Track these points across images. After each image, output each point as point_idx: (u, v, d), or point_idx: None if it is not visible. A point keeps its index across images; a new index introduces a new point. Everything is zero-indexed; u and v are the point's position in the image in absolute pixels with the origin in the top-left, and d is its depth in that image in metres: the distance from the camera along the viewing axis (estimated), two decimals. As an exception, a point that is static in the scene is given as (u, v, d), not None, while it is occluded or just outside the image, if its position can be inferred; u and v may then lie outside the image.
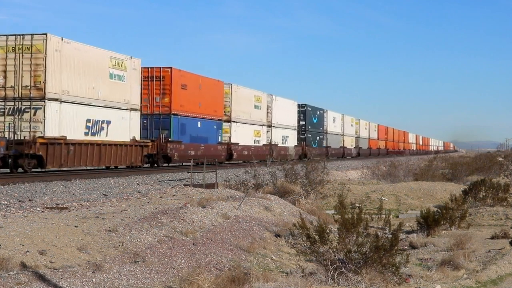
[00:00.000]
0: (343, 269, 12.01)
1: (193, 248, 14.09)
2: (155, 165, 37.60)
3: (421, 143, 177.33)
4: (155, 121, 37.98)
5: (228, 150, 47.19)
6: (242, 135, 49.75)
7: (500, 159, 79.00)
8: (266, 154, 46.27)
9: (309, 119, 68.77)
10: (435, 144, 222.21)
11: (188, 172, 27.11)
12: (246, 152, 49.59)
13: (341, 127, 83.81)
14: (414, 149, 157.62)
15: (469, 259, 15.02)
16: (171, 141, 38.20)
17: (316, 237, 12.51)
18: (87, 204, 17.73)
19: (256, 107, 53.06)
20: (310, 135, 68.70)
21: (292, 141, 62.34)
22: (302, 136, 66.63)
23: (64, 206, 16.99)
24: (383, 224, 21.77)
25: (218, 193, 21.55)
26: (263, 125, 54.82)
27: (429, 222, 20.93)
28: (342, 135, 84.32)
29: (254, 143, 52.21)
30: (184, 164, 38.96)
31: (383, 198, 30.02)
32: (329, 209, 26.10)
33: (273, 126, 57.38)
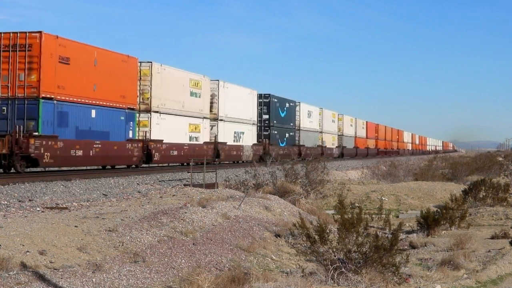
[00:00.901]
0: (343, 269, 12.01)
1: (193, 248, 14.10)
2: (10, 171, 26.24)
3: (417, 142, 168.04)
4: (17, 107, 26.93)
5: (145, 149, 35.01)
6: (169, 130, 37.58)
7: (500, 159, 79.04)
8: (209, 155, 40.69)
9: (275, 113, 57.24)
10: (433, 143, 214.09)
11: (188, 172, 27.11)
12: (175, 152, 38.23)
13: (319, 123, 72.83)
14: (410, 148, 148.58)
15: (469, 259, 15.02)
16: (39, 136, 26.75)
17: (316, 237, 12.51)
18: (87, 204, 17.73)
19: (193, 94, 40.89)
20: (275, 132, 57.22)
21: (249, 139, 51.09)
22: (265, 133, 55.30)
23: (64, 206, 16.99)
24: (383, 224, 21.83)
25: (218, 193, 21.55)
26: (205, 117, 42.40)
27: (429, 222, 20.93)
28: (321, 132, 73.34)
29: (190, 140, 40.19)
30: (62, 169, 30.93)
31: (383, 198, 30.03)
32: (329, 209, 26.10)
33: (221, 120, 45.40)
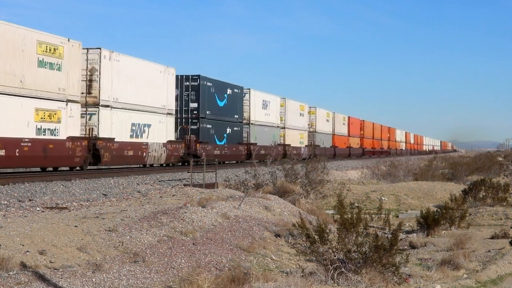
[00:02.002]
0: (343, 269, 12.01)
1: (193, 248, 14.10)
2: None
3: (412, 141, 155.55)
4: None
5: None
6: None
7: (500, 159, 79.05)
8: (78, 156, 28.85)
9: (209, 100, 44.00)
10: (430, 143, 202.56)
11: (188, 172, 27.11)
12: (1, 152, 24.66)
13: (281, 116, 59.06)
14: (404, 148, 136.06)
15: (469, 259, 15.02)
16: None
17: (316, 237, 12.51)
18: (87, 204, 17.73)
19: (45, 64, 27.19)
20: (209, 126, 43.95)
21: (161, 134, 36.93)
22: (193, 127, 42.23)
23: (64, 206, 16.99)
24: (383, 224, 21.82)
25: (218, 193, 21.55)
26: (70, 101, 28.73)
27: (429, 222, 20.94)
28: (283, 128, 59.49)
29: (39, 134, 26.59)
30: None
31: (383, 198, 30.03)
32: (329, 209, 26.11)
33: (105, 106, 31.87)
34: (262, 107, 54.61)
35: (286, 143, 59.93)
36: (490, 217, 25.00)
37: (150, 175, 29.81)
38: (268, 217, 19.33)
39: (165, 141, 37.37)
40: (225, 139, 46.94)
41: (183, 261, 13.14)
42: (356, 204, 27.22)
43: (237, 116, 49.35)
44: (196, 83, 42.95)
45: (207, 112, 43.77)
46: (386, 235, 13.31)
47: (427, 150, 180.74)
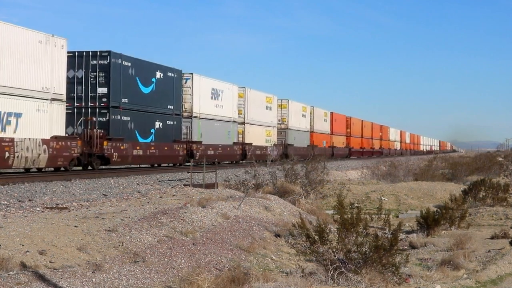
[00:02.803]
0: (343, 269, 12.01)
1: (193, 248, 14.10)
2: None
3: (408, 141, 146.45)
4: None
5: None
6: None
7: (500, 159, 79.05)
8: None
9: (126, 85, 33.90)
10: (427, 143, 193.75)
11: (188, 172, 27.11)
12: None
13: (239, 109, 49.26)
14: (398, 148, 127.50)
15: (469, 259, 15.02)
16: None
17: (316, 237, 12.51)
18: (87, 204, 17.73)
19: None
20: (126, 118, 34.08)
21: (40, 128, 27.34)
22: (102, 119, 32.77)
23: (64, 206, 16.99)
24: (383, 224, 21.82)
25: (218, 193, 21.55)
26: None
27: (429, 222, 20.93)
28: (243, 123, 50.00)
29: None
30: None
31: (383, 198, 30.03)
32: (329, 209, 26.11)
33: None
34: (212, 97, 43.72)
35: (247, 141, 49.94)
36: (490, 217, 25.00)
37: (150, 175, 29.81)
38: (268, 217, 19.33)
39: (47, 137, 27.42)
40: (152, 135, 36.17)
41: (183, 261, 13.14)
42: (356, 204, 27.22)
43: (172, 107, 38.44)
44: (105, 62, 32.86)
45: (123, 100, 33.28)
46: (386, 235, 13.30)
47: (424, 150, 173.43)
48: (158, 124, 37.22)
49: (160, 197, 20.06)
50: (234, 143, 47.84)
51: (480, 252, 16.90)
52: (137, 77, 35.02)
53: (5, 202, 17.27)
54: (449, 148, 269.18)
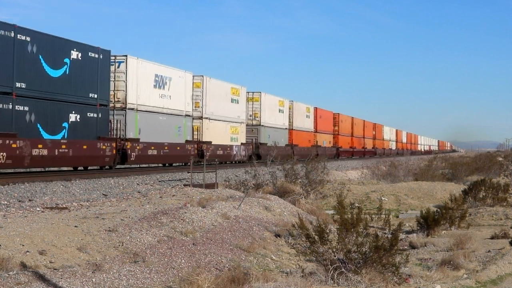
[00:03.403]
0: (343, 269, 12.01)
1: (193, 248, 14.10)
2: None
3: (404, 140, 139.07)
4: None
5: None
6: None
7: (500, 159, 79.06)
8: None
9: (22, 65, 25.80)
10: (426, 142, 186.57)
11: (188, 172, 27.12)
12: None
13: (195, 101, 41.89)
14: (394, 148, 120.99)
15: (469, 259, 15.02)
16: None
17: (316, 237, 12.51)
18: (87, 204, 17.73)
19: None
20: (24, 108, 25.75)
21: None
22: None
23: (64, 206, 16.99)
24: (383, 224, 21.79)
25: (218, 193, 21.55)
26: None
27: (429, 222, 20.93)
28: (200, 118, 42.36)
29: None
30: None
31: (383, 198, 30.03)
32: (329, 209, 26.11)
33: None
34: (156, 85, 36.11)
35: (205, 139, 42.62)
36: (490, 217, 25.00)
37: (150, 175, 29.82)
38: (268, 217, 19.33)
39: None
40: (65, 130, 28.33)
41: (183, 261, 13.14)
42: (356, 204, 27.22)
43: (96, 96, 30.60)
44: None
45: (18, 85, 25.26)
46: (386, 235, 13.30)
47: (422, 150, 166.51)
48: (73, 117, 28.93)
49: (160, 197, 20.06)
50: (187, 141, 39.95)
51: (480, 252, 16.90)
52: (40, 56, 26.73)
53: (5, 202, 17.27)
54: (449, 148, 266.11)
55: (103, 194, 20.78)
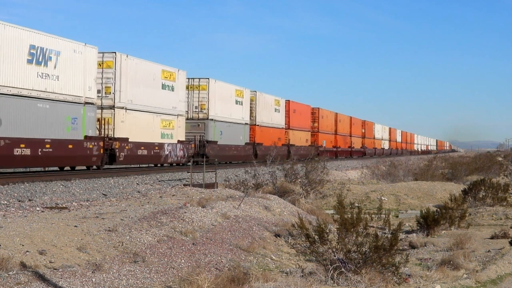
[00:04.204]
0: (342, 269, 12.01)
1: (193, 248, 14.09)
2: None
3: (399, 139, 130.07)
4: None
5: None
6: None
7: (500, 159, 79.08)
8: None
9: None
10: (423, 142, 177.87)
11: (188, 172, 27.11)
12: None
13: (105, 86, 33.12)
14: (386, 147, 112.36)
15: (468, 259, 15.02)
16: None
17: (316, 237, 12.51)
18: (87, 204, 17.73)
19: None
20: None
21: None
22: None
23: (64, 206, 16.99)
24: (383, 224, 21.81)
25: (218, 193, 21.55)
26: None
27: (428, 222, 20.93)
28: (111, 107, 33.09)
29: None
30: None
31: (383, 198, 30.02)
32: (328, 209, 26.11)
33: None
34: (32, 61, 26.37)
35: (119, 135, 32.96)
36: (490, 217, 24.99)
37: (150, 175, 29.81)
38: (268, 217, 19.33)
39: None
40: None
41: (183, 261, 13.14)
42: (356, 204, 27.22)
43: None
44: None
45: None
46: (386, 235, 13.29)
47: (419, 150, 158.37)
48: None
49: (160, 197, 20.06)
50: (87, 137, 29.89)
51: (480, 252, 16.90)
52: None
53: (5, 202, 17.27)
54: (448, 148, 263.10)
55: (103, 194, 20.78)
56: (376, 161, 65.25)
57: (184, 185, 24.65)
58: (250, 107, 51.79)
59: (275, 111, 57.52)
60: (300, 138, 64.43)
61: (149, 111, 36.00)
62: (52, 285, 10.05)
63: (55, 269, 10.80)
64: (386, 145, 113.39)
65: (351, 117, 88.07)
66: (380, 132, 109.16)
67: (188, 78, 42.62)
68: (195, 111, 43.61)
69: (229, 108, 47.05)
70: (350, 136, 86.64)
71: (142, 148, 34.79)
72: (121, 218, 14.85)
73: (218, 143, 44.32)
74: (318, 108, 71.71)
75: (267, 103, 55.74)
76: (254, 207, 19.85)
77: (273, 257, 15.49)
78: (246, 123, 50.60)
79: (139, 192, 21.80)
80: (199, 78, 43.89)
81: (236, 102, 48.40)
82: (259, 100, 53.64)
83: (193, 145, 41.08)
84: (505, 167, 62.22)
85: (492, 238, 19.54)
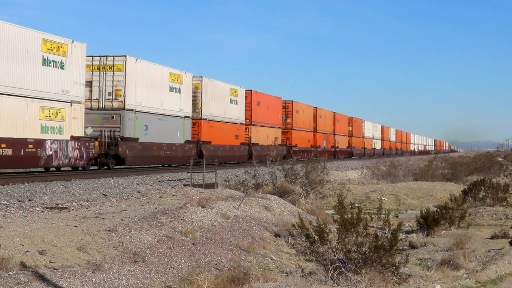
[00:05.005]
0: (342, 269, 12.01)
1: (193, 248, 14.09)
2: None
3: (393, 139, 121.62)
4: None
5: None
6: None
7: (500, 159, 79.07)
8: None
9: None
10: (420, 142, 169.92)
11: (188, 172, 27.11)
12: None
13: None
14: (378, 147, 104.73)
15: (468, 259, 15.02)
16: None
17: (316, 237, 12.51)
18: (87, 204, 17.73)
19: None
20: None
21: None
22: None
23: (64, 206, 16.99)
24: (383, 224, 21.83)
25: (218, 193, 21.55)
26: None
27: (428, 222, 20.92)
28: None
29: None
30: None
31: (383, 198, 30.02)
32: (328, 209, 26.12)
33: None
34: None
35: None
36: (490, 217, 24.99)
37: (150, 175, 29.81)
38: (268, 217, 19.33)
39: None
40: None
41: (183, 261, 13.14)
42: (356, 204, 27.22)
43: None
44: None
45: None
46: (386, 235, 13.30)
47: (415, 150, 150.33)
48: None
49: (160, 197, 20.06)
50: None
51: (480, 252, 16.90)
52: None
53: (5, 202, 17.27)
54: (447, 148, 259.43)
55: (103, 194, 20.77)
56: (376, 161, 65.13)
57: (184, 185, 24.65)
58: (194, 96, 41.75)
59: (231, 102, 47.24)
60: (267, 136, 53.82)
61: (13, 94, 25.88)
62: (52, 285, 10.05)
63: (55, 269, 10.80)
64: (378, 145, 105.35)
65: (334, 112, 79.27)
66: (371, 130, 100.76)
67: (101, 56, 34.13)
68: (108, 99, 34.01)
69: (160, 96, 36.92)
70: (334, 134, 78.38)
71: (3, 146, 24.88)
72: (121, 218, 14.85)
73: (140, 140, 34.67)
74: (292, 101, 62.33)
75: (219, 93, 45.16)
76: (254, 207, 19.85)
77: (273, 257, 15.49)
78: (186, 116, 40.13)
79: (139, 192, 21.80)
80: (113, 56, 34.29)
81: (172, 89, 38.13)
82: (206, 88, 43.10)
83: (96, 143, 31.28)
84: (505, 167, 62.20)
85: (492, 238, 19.54)
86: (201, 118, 42.68)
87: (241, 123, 49.48)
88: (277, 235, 17.48)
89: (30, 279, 10.06)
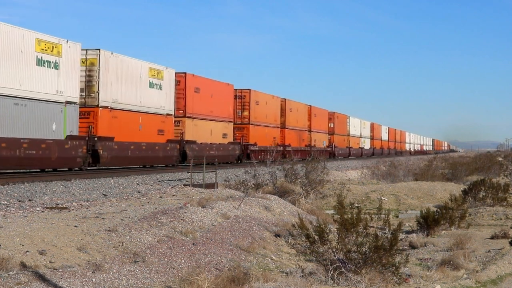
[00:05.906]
0: (342, 269, 12.01)
1: (193, 248, 14.09)
2: None
3: (385, 138, 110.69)
4: None
5: None
6: None
7: (500, 159, 79.07)
8: None
9: None
10: (417, 141, 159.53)
11: (188, 172, 27.10)
12: None
13: None
14: (368, 147, 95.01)
15: (469, 259, 15.02)
16: None
17: (316, 237, 12.51)
18: (87, 204, 17.72)
19: None
20: None
21: None
22: None
23: (64, 206, 16.98)
24: (383, 224, 21.77)
25: (218, 193, 21.54)
26: None
27: (429, 222, 20.93)
28: None
29: None
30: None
31: (383, 198, 30.01)
32: (328, 209, 26.11)
33: None
34: None
35: None
36: (490, 217, 24.99)
37: (150, 175, 29.80)
38: (268, 217, 19.33)
39: None
40: None
41: (183, 261, 13.13)
42: (356, 204, 27.21)
43: None
44: None
45: None
46: (386, 235, 13.30)
47: (411, 150, 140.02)
48: None
49: (160, 197, 20.05)
50: None
51: (480, 252, 16.90)
52: None
53: (5, 202, 17.26)
54: (446, 148, 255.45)
55: (103, 194, 20.77)
56: (377, 161, 65.06)
57: (184, 185, 24.65)
58: (89, 75, 31.41)
59: (152, 87, 36.03)
60: (211, 132, 43.59)
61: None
62: (52, 285, 10.05)
63: (55, 269, 10.80)
64: (367, 144, 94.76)
65: (310, 106, 67.94)
66: (358, 127, 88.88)
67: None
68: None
69: (20, 72, 25.71)
70: (310, 131, 67.68)
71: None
72: (121, 218, 14.85)
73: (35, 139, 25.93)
74: (249, 89, 50.77)
75: (132, 73, 34.11)
76: (254, 207, 19.85)
77: (273, 257, 15.49)
78: (69, 102, 28.68)
79: (139, 192, 21.79)
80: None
81: (41, 62, 26.94)
82: (109, 65, 32.07)
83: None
84: (505, 167, 62.21)
85: (492, 238, 19.55)
86: (97, 105, 31.49)
87: (167, 114, 38.09)
88: (277, 235, 17.47)
89: (30, 279, 10.06)
